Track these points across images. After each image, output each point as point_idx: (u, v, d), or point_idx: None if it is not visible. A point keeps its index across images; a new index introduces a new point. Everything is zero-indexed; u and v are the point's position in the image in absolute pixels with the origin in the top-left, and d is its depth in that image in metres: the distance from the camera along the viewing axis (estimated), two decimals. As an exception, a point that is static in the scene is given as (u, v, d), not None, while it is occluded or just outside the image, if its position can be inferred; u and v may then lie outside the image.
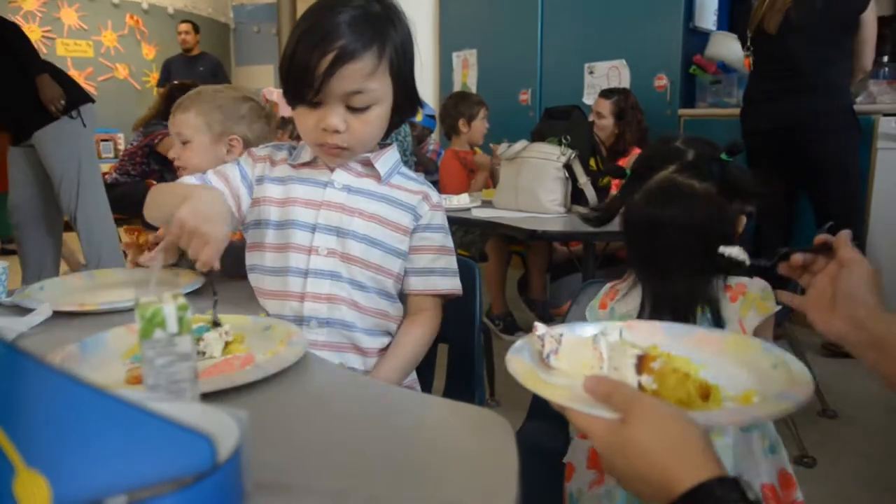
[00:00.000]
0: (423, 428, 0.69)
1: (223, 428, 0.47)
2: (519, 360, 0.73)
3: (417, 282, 1.14)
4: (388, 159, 1.15)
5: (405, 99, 1.10)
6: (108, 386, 0.66)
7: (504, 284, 3.26)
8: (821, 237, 0.85)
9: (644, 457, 0.56)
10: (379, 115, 1.06)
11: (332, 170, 1.13)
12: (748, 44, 2.94)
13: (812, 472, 1.94)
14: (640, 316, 1.01)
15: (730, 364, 0.76)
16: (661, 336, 0.83)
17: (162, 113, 4.20)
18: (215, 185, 1.12)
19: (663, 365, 0.65)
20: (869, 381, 2.91)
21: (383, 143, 1.18)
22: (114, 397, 0.38)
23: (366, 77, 1.01)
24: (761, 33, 2.82)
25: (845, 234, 0.83)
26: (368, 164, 1.13)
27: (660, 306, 0.99)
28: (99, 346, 0.88)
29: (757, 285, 0.98)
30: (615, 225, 2.36)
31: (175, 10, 7.42)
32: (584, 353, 0.74)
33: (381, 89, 1.04)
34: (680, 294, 0.98)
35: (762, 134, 2.79)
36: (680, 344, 0.80)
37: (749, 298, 0.98)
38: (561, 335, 0.76)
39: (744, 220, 1.01)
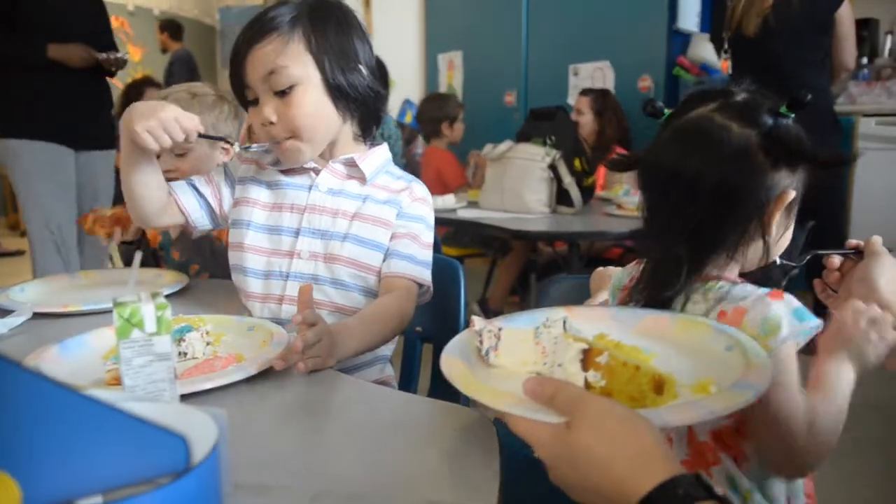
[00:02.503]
0: (404, 427, 0.68)
1: (201, 428, 0.46)
2: (454, 362, 0.66)
3: (384, 265, 1.11)
4: (374, 160, 1.14)
5: (341, 83, 1.06)
6: (83, 386, 0.66)
7: (515, 281, 3.25)
8: (852, 241, 0.84)
9: (595, 466, 0.51)
10: (305, 97, 1.03)
11: (317, 173, 1.12)
12: (725, 47, 2.96)
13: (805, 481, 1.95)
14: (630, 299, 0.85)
15: (682, 349, 0.69)
16: (609, 322, 0.76)
17: (119, 112, 4.17)
18: (198, 184, 1.14)
19: (611, 358, 0.60)
20: (865, 388, 2.91)
21: (373, 144, 1.17)
22: (86, 398, 0.38)
23: (274, 54, 1.01)
24: (740, 37, 2.84)
25: (876, 238, 0.80)
26: (353, 164, 1.12)
27: (644, 282, 0.84)
28: (79, 347, 0.87)
29: (760, 312, 0.73)
30: (601, 225, 2.36)
31: (161, 12, 7.37)
32: (525, 349, 0.68)
33: (297, 68, 1.02)
34: (669, 272, 0.79)
35: None
36: (629, 331, 0.74)
37: (746, 332, 0.73)
38: (500, 329, 0.69)
39: (789, 196, 0.78)
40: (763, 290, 0.76)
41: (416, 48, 5.32)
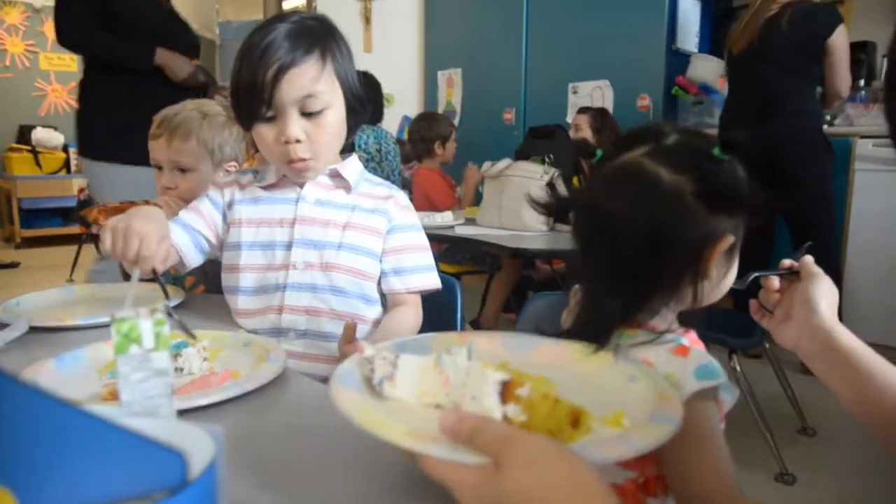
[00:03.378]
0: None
1: (197, 444, 0.46)
2: (346, 394, 0.58)
3: (395, 281, 1.14)
4: (353, 168, 1.17)
5: (356, 102, 1.12)
6: (81, 401, 0.66)
7: (507, 298, 3.24)
8: (786, 261, 0.85)
9: None
10: (334, 120, 1.08)
11: (301, 186, 1.13)
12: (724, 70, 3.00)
13: (791, 489, 1.95)
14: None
15: (582, 380, 0.65)
16: (501, 350, 0.72)
17: None
18: (188, 220, 1.14)
19: (532, 391, 0.55)
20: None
21: (344, 154, 1.19)
22: (83, 412, 0.38)
23: (313, 81, 1.04)
24: (730, 55, 2.88)
25: (808, 257, 0.83)
26: (336, 175, 1.14)
27: (577, 327, 0.79)
28: (76, 362, 0.87)
29: (662, 368, 0.70)
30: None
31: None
32: (426, 378, 0.61)
33: (330, 92, 1.06)
34: (598, 326, 0.75)
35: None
36: (525, 359, 0.70)
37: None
38: (397, 357, 0.62)
39: (727, 242, 0.74)
40: (673, 344, 0.73)
41: (416, 65, 5.35)
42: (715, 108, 3.58)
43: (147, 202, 1.19)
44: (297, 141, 1.05)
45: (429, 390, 0.60)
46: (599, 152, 0.83)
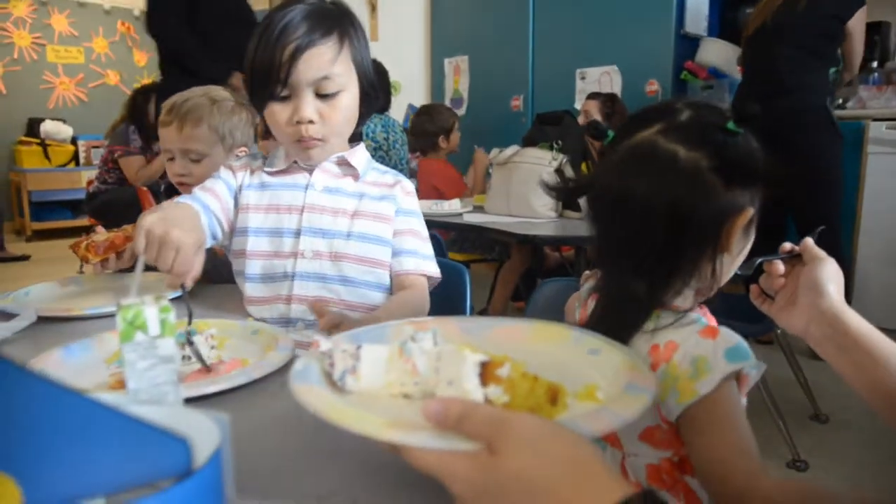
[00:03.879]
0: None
1: (203, 431, 0.46)
2: (314, 391, 0.55)
3: (394, 262, 1.14)
4: (361, 156, 1.17)
5: (370, 88, 1.12)
6: (87, 390, 0.65)
7: (517, 286, 3.20)
8: (786, 245, 0.84)
9: (533, 494, 0.43)
10: (348, 102, 1.07)
11: (310, 172, 1.12)
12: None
13: (804, 476, 1.94)
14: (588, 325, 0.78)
15: (543, 357, 0.63)
16: (459, 334, 0.70)
17: (128, 118, 4.21)
18: (206, 201, 1.11)
19: (512, 370, 0.53)
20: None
21: (353, 143, 1.19)
22: (89, 400, 0.37)
23: (330, 62, 1.03)
24: (746, 37, 2.85)
25: (809, 240, 0.81)
26: (344, 163, 1.14)
27: (603, 315, 0.77)
28: (84, 351, 0.87)
29: (690, 350, 0.69)
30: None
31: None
32: (392, 368, 0.58)
33: (345, 75, 1.06)
34: (626, 311, 0.75)
35: None
36: (482, 340, 0.67)
37: (672, 372, 0.70)
38: (358, 348, 0.59)
39: (747, 216, 0.73)
40: (699, 325, 0.73)
41: (422, 53, 5.32)
42: (725, 93, 3.54)
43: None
44: (311, 122, 1.04)
45: (395, 380, 0.57)
46: (611, 133, 0.82)
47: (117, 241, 1.21)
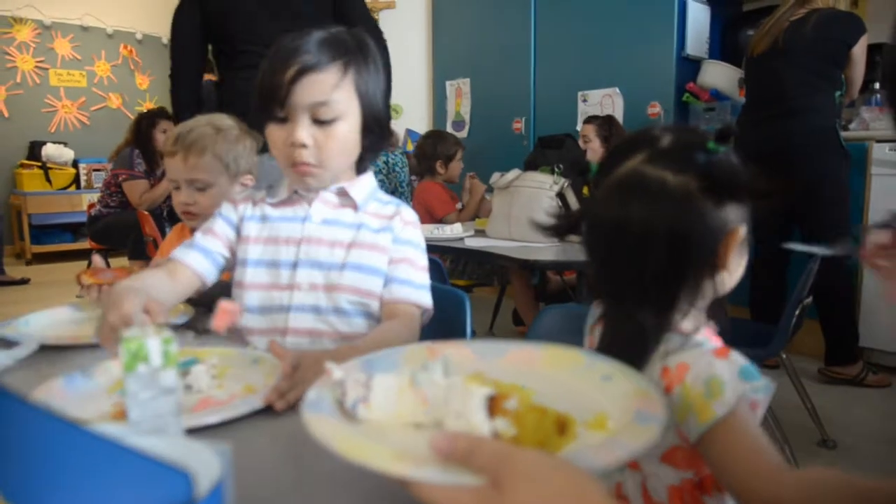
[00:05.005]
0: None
1: (205, 462, 0.45)
2: (324, 421, 0.54)
3: (384, 292, 1.11)
4: (363, 187, 1.16)
5: (374, 122, 1.10)
6: (90, 420, 0.64)
7: (532, 310, 3.12)
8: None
9: None
10: (345, 132, 1.06)
11: (309, 204, 1.12)
12: (742, 75, 2.98)
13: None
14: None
15: (556, 383, 0.63)
16: (472, 359, 0.69)
17: (133, 143, 4.23)
18: (206, 244, 1.14)
19: (519, 402, 0.52)
20: (868, 409, 2.89)
21: (360, 172, 1.18)
22: (91, 432, 0.37)
23: (330, 88, 1.03)
24: (751, 57, 2.86)
25: None
26: (344, 193, 1.13)
27: (612, 345, 0.77)
28: (86, 381, 0.86)
29: (704, 371, 0.70)
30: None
31: (168, 40, 7.48)
32: (403, 398, 0.58)
33: (345, 103, 1.05)
34: (633, 332, 0.75)
35: (751, 161, 2.78)
36: (496, 367, 0.67)
37: (688, 394, 0.70)
38: (369, 378, 0.59)
39: (740, 233, 0.76)
40: (710, 346, 0.73)
41: (423, 75, 5.36)
42: (727, 115, 3.56)
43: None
44: (304, 146, 1.04)
45: (406, 410, 0.57)
46: (594, 167, 0.83)
47: (121, 275, 1.20)
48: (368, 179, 1.18)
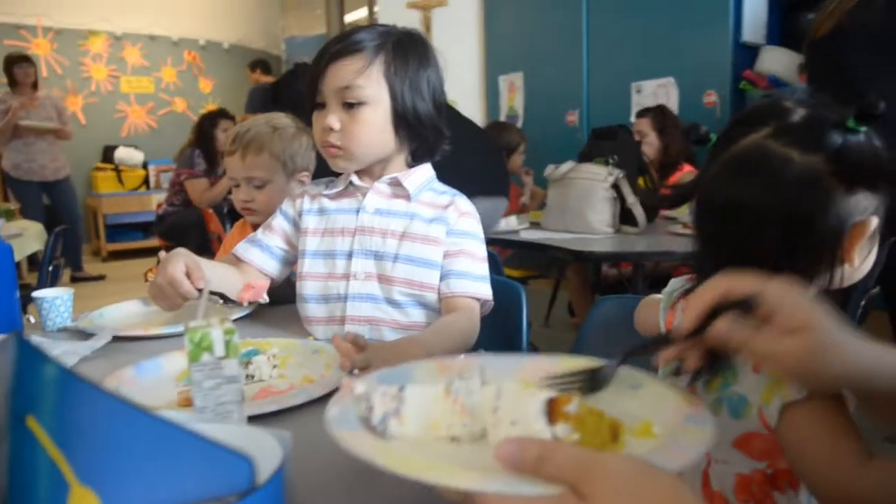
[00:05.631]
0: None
1: (266, 449, 0.48)
2: (359, 437, 0.51)
3: (442, 285, 1.12)
4: (418, 177, 1.17)
5: (405, 112, 1.10)
6: (157, 408, 0.69)
7: (587, 302, 3.08)
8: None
9: None
10: (370, 118, 1.08)
11: (363, 195, 1.15)
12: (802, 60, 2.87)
13: None
14: None
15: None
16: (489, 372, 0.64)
17: (195, 143, 4.38)
18: (265, 241, 1.22)
19: (580, 407, 0.49)
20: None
21: (416, 163, 1.19)
22: (159, 419, 0.40)
23: (354, 74, 1.07)
24: (812, 41, 2.75)
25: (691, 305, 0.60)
26: (397, 183, 1.15)
27: None
28: (154, 370, 0.91)
29: None
30: (665, 245, 2.32)
31: (230, 45, 7.71)
32: (436, 409, 0.53)
33: (370, 89, 1.07)
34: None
35: None
36: (513, 379, 0.61)
37: (775, 374, 0.65)
38: (400, 389, 0.54)
39: (871, 224, 0.67)
40: None
41: (477, 71, 5.37)
42: (787, 102, 3.45)
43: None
44: (332, 129, 1.08)
45: (441, 422, 0.53)
46: (713, 136, 0.77)
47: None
48: (423, 170, 1.19)
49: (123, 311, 1.33)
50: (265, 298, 1.05)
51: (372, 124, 1.09)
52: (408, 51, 1.11)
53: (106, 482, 0.39)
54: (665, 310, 0.86)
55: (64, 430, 0.39)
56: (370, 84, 1.07)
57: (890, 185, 0.68)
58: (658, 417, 0.53)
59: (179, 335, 1.11)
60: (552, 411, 0.48)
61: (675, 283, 0.87)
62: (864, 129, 0.67)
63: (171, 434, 0.40)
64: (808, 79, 2.84)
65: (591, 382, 0.58)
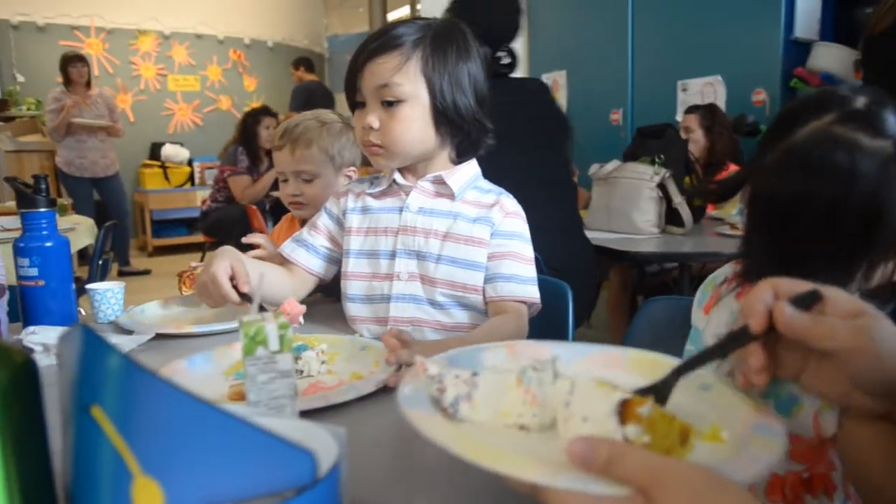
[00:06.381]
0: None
1: (322, 444, 0.48)
2: (430, 419, 0.51)
3: (489, 288, 1.11)
4: (462, 175, 1.15)
5: (446, 108, 1.08)
6: (213, 400, 0.69)
7: (626, 312, 3.03)
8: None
9: None
10: (409, 115, 1.07)
11: (406, 194, 1.14)
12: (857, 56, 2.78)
13: None
14: None
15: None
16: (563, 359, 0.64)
17: (238, 140, 4.45)
18: (310, 240, 1.22)
19: (653, 409, 0.48)
20: None
21: (460, 161, 1.17)
22: (223, 411, 0.40)
23: (392, 71, 1.05)
24: (870, 37, 2.66)
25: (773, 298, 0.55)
26: (441, 182, 1.13)
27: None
28: (205, 363, 0.92)
29: None
30: (712, 245, 2.27)
31: (274, 44, 7.82)
32: (506, 397, 0.54)
33: (408, 86, 1.06)
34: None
35: None
36: (580, 368, 0.62)
37: None
38: (474, 375, 0.55)
39: None
40: None
41: (520, 69, 5.32)
42: (841, 100, 3.35)
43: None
44: (371, 128, 1.08)
45: (511, 410, 0.54)
46: (763, 128, 0.76)
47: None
48: (468, 168, 1.17)
49: (164, 309, 1.34)
50: (301, 322, 1.04)
51: (411, 121, 1.08)
52: (447, 44, 1.09)
53: (168, 472, 0.39)
54: (707, 294, 0.86)
55: (128, 421, 0.39)
56: (408, 81, 1.06)
57: None
58: (726, 423, 0.52)
59: (217, 334, 1.13)
60: (625, 412, 0.48)
61: (724, 271, 0.85)
62: None
63: (234, 427, 0.40)
64: (865, 76, 2.75)
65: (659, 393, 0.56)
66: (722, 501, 0.40)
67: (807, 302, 0.52)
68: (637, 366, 0.64)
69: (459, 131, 1.12)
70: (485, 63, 1.14)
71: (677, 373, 0.54)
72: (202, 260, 5.10)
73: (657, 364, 0.62)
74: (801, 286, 0.51)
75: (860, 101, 0.68)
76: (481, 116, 1.12)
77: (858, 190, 0.65)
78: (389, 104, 1.06)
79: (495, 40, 2.00)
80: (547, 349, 0.66)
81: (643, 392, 0.53)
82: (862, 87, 0.71)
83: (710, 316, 0.84)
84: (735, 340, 0.54)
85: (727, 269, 0.86)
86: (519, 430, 0.54)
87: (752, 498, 0.41)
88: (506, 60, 2.05)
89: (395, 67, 1.05)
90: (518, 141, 1.85)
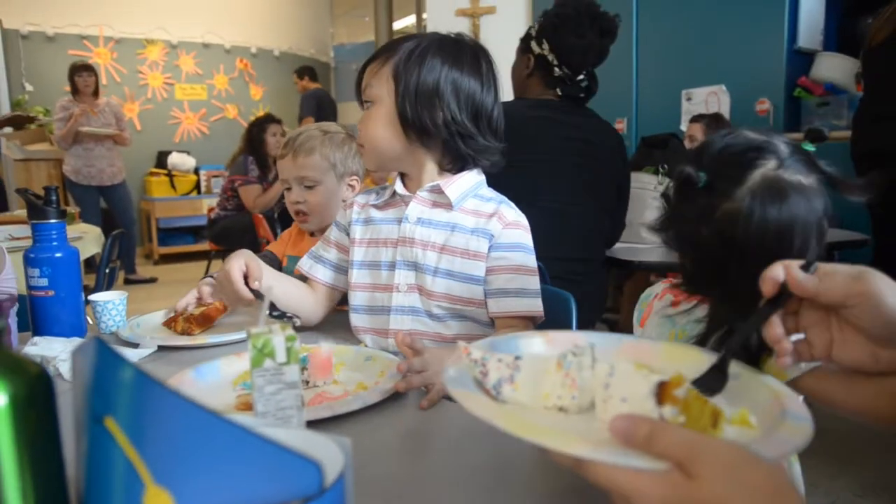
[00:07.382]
0: (520, 468, 0.69)
1: (328, 454, 0.49)
2: (475, 398, 0.54)
3: (492, 304, 1.10)
4: (461, 184, 1.13)
5: (407, 109, 1.07)
6: (226, 411, 0.70)
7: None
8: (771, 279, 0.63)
9: None
10: (375, 114, 1.11)
11: (407, 204, 1.14)
12: (859, 69, 2.78)
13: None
14: (704, 343, 0.77)
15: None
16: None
17: (246, 149, 4.48)
18: (326, 255, 1.25)
19: (688, 392, 0.51)
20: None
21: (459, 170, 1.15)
22: (232, 422, 0.41)
23: (371, 74, 1.12)
24: (869, 48, 2.67)
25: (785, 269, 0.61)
26: (439, 191, 1.12)
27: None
28: (213, 373, 0.93)
29: None
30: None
31: (280, 53, 7.86)
32: (546, 380, 0.58)
33: (377, 88, 1.11)
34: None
35: (869, 159, 2.60)
36: (613, 356, 0.63)
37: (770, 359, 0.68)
38: (517, 358, 0.59)
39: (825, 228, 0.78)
40: None
41: (524, 79, 5.35)
42: (843, 109, 3.35)
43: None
44: (359, 127, 1.15)
45: (551, 392, 0.57)
46: (703, 176, 0.80)
47: (213, 314, 1.26)
48: (469, 177, 1.14)
49: (158, 321, 1.31)
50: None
51: (376, 121, 1.11)
52: (434, 53, 1.08)
53: (180, 482, 0.40)
54: (640, 311, 0.97)
55: (140, 432, 0.41)
56: (379, 83, 1.10)
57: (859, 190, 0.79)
58: (754, 409, 0.55)
59: (221, 345, 1.13)
60: (662, 393, 0.51)
61: (654, 290, 0.97)
62: (814, 148, 0.81)
63: (243, 437, 0.41)
64: (865, 87, 2.75)
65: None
66: (756, 476, 0.43)
67: (813, 270, 0.60)
68: (668, 356, 0.66)
69: (438, 140, 1.10)
70: (490, 80, 1.12)
71: (725, 358, 0.59)
72: (207, 270, 5.12)
73: (687, 355, 0.65)
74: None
75: (783, 147, 0.80)
76: (473, 132, 1.09)
77: (814, 218, 0.76)
78: (368, 104, 1.12)
79: (575, 64, 2.20)
80: (582, 338, 0.68)
81: (698, 383, 0.57)
82: (765, 132, 0.83)
83: (645, 328, 0.95)
84: (760, 316, 0.61)
85: (658, 287, 0.98)
86: (558, 411, 0.57)
87: (782, 472, 0.44)
88: (584, 83, 2.21)
89: (374, 71, 1.11)
90: (552, 159, 1.93)
